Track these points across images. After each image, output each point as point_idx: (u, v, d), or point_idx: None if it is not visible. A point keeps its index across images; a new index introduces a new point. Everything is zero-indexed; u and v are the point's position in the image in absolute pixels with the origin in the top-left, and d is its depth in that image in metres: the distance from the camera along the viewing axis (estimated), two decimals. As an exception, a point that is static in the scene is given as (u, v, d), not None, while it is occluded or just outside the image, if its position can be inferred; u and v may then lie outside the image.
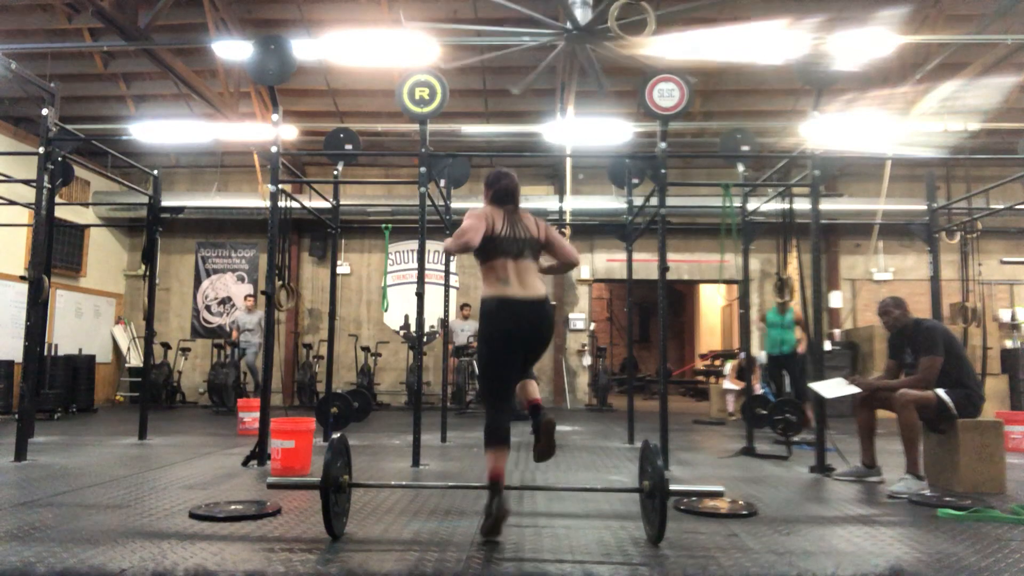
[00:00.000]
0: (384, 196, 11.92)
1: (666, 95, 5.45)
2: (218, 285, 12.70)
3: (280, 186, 5.52)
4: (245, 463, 5.18)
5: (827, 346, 10.34)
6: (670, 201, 5.56)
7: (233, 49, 8.20)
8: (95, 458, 5.54)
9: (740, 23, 7.63)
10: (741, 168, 6.69)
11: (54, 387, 9.12)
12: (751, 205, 6.96)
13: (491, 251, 3.26)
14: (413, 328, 8.37)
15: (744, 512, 3.72)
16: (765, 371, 8.38)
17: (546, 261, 3.55)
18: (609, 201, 11.51)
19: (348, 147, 6.59)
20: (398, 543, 3.09)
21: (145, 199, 7.44)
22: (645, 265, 10.30)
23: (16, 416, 5.87)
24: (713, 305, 16.82)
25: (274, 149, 5.45)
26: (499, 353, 3.23)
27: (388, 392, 12.18)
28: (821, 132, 6.02)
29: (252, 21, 9.30)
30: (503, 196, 3.41)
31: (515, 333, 3.22)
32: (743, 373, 8.09)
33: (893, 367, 4.88)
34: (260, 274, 12.48)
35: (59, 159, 5.83)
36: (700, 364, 16.10)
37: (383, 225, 9.17)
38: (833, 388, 4.90)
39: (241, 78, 9.90)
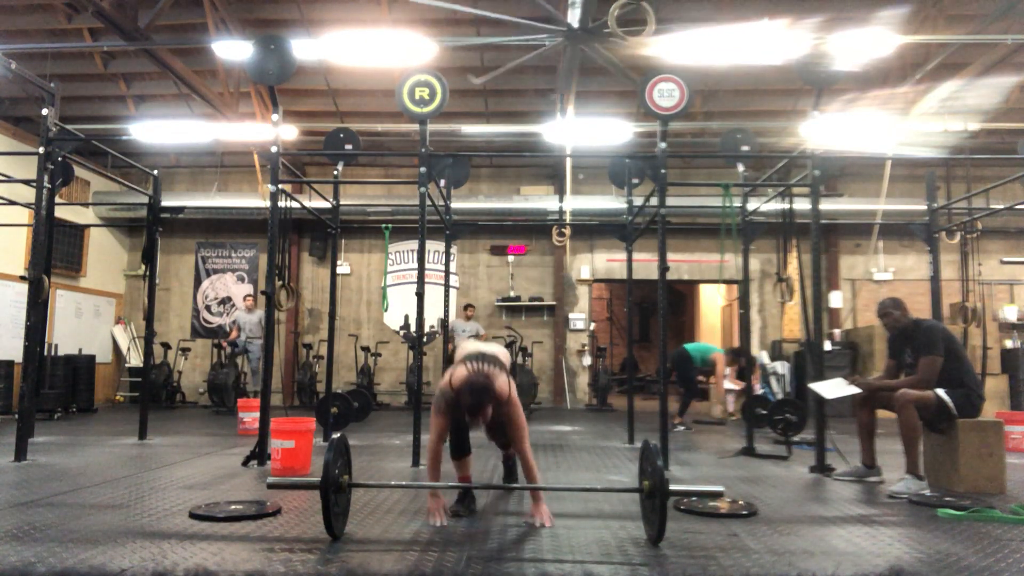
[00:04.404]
0: (384, 196, 11.92)
1: (666, 95, 5.44)
2: (218, 285, 12.70)
3: (280, 186, 5.52)
4: (245, 463, 5.18)
5: (827, 346, 10.34)
6: (670, 201, 5.56)
7: (233, 49, 8.20)
8: (95, 458, 5.54)
9: (740, 23, 7.63)
10: (741, 168, 6.69)
11: (54, 387, 9.12)
12: (751, 205, 6.95)
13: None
14: (413, 328, 8.37)
15: (744, 512, 3.72)
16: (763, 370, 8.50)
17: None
18: (609, 201, 11.51)
19: (348, 147, 6.59)
20: (398, 543, 3.09)
21: (145, 199, 7.44)
22: (645, 265, 10.29)
23: (16, 416, 5.87)
24: (713, 305, 16.82)
25: (274, 149, 5.45)
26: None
27: (388, 392, 12.18)
28: (821, 132, 6.03)
29: (252, 21, 9.30)
30: (468, 409, 3.38)
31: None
32: (743, 373, 8.10)
33: (893, 367, 4.88)
34: (260, 274, 12.49)
35: (59, 159, 5.82)
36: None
37: (383, 225, 9.18)
38: (833, 388, 4.90)
39: (241, 78, 9.90)
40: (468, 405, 3.32)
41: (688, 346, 8.93)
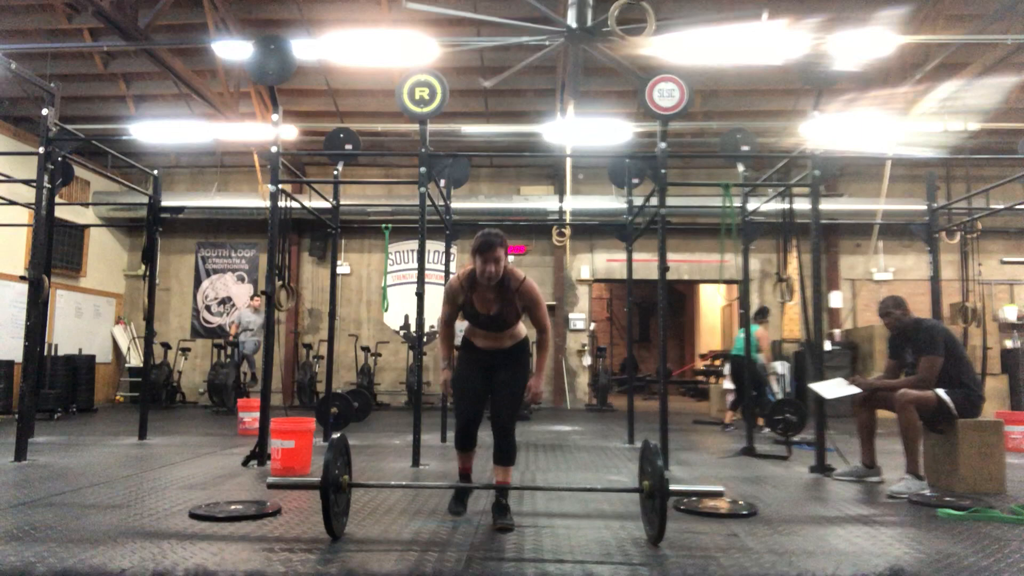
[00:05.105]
0: (384, 196, 11.92)
1: (666, 95, 5.45)
2: (218, 285, 12.70)
3: (280, 186, 5.52)
4: (245, 463, 5.18)
5: (827, 346, 10.34)
6: (670, 201, 5.56)
7: (233, 49, 8.20)
8: (95, 458, 5.54)
9: (740, 23, 7.64)
10: (741, 168, 6.69)
11: (54, 387, 9.12)
12: (751, 205, 6.95)
13: (466, 317, 3.64)
14: (413, 328, 8.37)
15: (744, 512, 3.72)
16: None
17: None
18: (609, 201, 11.51)
19: (348, 147, 6.59)
20: (398, 543, 3.09)
21: (145, 199, 7.44)
22: (645, 265, 10.30)
23: (16, 416, 5.87)
24: (713, 305, 16.82)
25: (274, 149, 5.45)
26: (463, 374, 3.61)
27: (388, 392, 12.18)
28: (821, 132, 6.02)
29: (252, 21, 9.30)
30: (479, 248, 3.38)
31: (476, 356, 3.63)
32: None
33: (893, 367, 4.88)
34: (260, 274, 12.48)
35: (59, 159, 5.83)
36: (700, 364, 16.11)
37: (383, 225, 9.19)
38: (833, 388, 4.90)
39: (241, 78, 9.90)
40: (479, 245, 3.32)
41: (739, 344, 8.80)
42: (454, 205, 7.91)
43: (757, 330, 8.54)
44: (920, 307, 7.85)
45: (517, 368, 3.55)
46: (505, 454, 3.52)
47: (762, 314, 8.77)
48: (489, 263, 3.32)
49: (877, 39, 7.20)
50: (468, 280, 3.46)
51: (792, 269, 7.09)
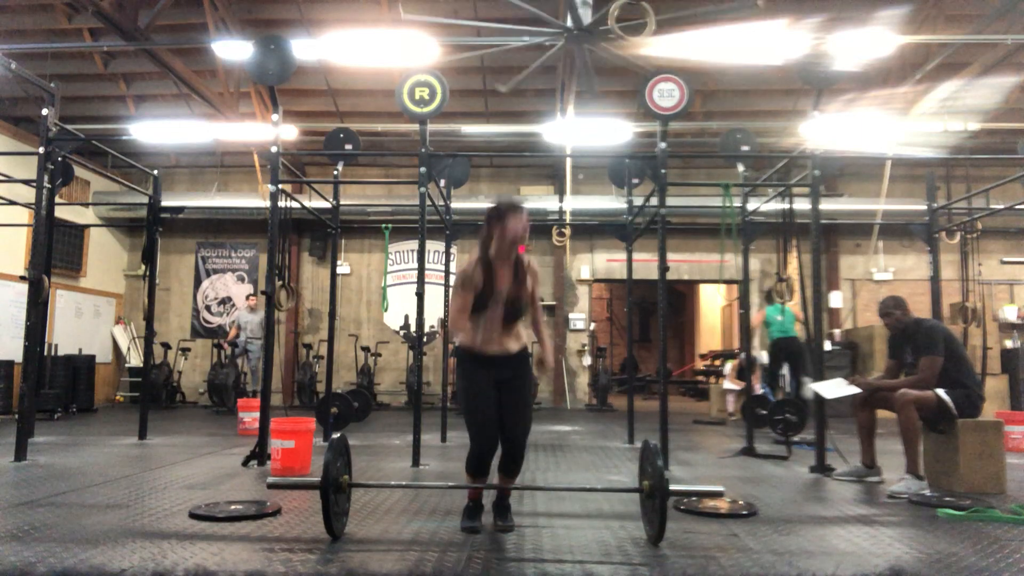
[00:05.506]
0: (384, 196, 11.93)
1: (666, 95, 5.44)
2: (218, 285, 12.70)
3: (280, 186, 5.52)
4: (245, 463, 5.18)
5: (827, 346, 10.34)
6: (670, 201, 5.56)
7: (233, 49, 8.20)
8: (95, 458, 5.54)
9: (740, 23, 7.64)
10: (741, 168, 6.69)
11: (54, 387, 9.12)
12: (751, 205, 6.95)
13: (477, 306, 3.32)
14: (413, 328, 8.36)
15: (744, 512, 3.72)
16: (767, 365, 8.48)
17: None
18: (609, 201, 11.51)
19: (348, 147, 6.59)
20: (398, 543, 3.09)
21: (145, 199, 7.45)
22: (645, 265, 10.29)
23: (16, 416, 5.87)
24: (713, 305, 16.82)
25: (274, 149, 5.45)
26: (474, 394, 3.31)
27: (388, 392, 12.18)
28: (821, 132, 6.02)
29: (252, 21, 9.31)
30: (507, 208, 3.27)
31: (485, 372, 3.34)
32: (743, 373, 8.09)
33: (893, 367, 4.88)
34: (260, 274, 12.48)
35: (59, 159, 5.83)
36: (700, 364, 16.12)
37: (383, 225, 9.17)
38: (833, 388, 4.90)
39: (241, 78, 9.90)
40: (506, 206, 3.21)
41: (782, 332, 8.40)
42: (454, 205, 7.91)
43: (792, 306, 8.43)
44: (920, 307, 7.85)
45: (525, 385, 3.40)
46: (513, 468, 3.43)
47: (766, 296, 8.74)
48: (519, 220, 3.20)
49: (877, 39, 7.20)
50: (483, 262, 3.29)
51: (792, 269, 7.09)
